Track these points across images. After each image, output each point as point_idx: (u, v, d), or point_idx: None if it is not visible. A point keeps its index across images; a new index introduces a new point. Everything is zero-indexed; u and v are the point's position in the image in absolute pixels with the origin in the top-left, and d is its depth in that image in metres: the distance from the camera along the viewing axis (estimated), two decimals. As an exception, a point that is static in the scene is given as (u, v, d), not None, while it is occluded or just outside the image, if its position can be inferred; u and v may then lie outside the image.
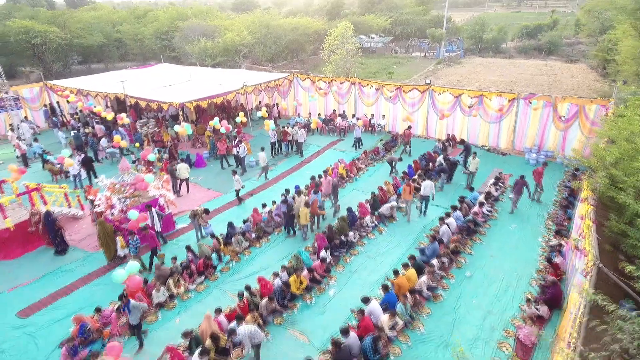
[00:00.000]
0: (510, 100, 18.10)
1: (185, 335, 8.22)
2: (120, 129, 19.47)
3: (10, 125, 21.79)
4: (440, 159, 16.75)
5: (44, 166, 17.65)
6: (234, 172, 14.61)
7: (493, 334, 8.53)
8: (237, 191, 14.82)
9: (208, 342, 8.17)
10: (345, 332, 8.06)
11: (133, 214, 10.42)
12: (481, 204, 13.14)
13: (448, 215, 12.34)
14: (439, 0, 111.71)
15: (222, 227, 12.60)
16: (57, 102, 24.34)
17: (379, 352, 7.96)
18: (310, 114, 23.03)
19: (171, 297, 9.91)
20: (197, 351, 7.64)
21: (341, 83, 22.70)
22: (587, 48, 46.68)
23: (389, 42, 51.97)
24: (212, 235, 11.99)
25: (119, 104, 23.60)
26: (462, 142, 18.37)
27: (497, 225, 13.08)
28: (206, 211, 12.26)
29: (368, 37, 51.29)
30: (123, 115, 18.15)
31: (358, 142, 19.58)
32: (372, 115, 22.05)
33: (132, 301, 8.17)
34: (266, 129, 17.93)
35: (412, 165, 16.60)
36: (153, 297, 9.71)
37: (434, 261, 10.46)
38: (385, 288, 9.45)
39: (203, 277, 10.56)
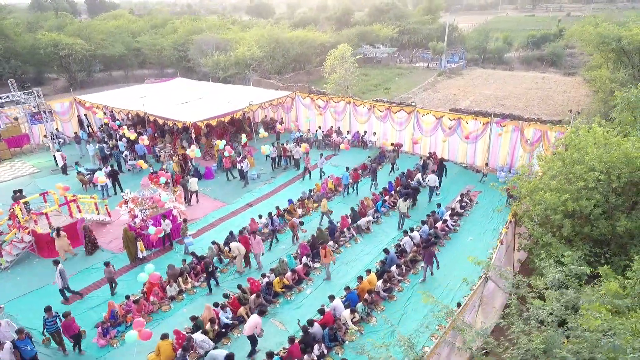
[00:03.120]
0: (484, 124, 20.25)
1: (192, 318, 10.79)
2: (140, 143, 22.15)
3: (45, 135, 24.89)
4: (418, 176, 19.11)
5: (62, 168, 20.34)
6: (56, 263, 12.11)
7: (429, 328, 10.85)
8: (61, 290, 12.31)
9: (208, 326, 10.74)
10: (310, 323, 10.53)
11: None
12: (444, 221, 15.41)
13: (412, 230, 14.71)
14: (452, 3, 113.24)
15: (224, 234, 15.17)
16: (85, 115, 27.21)
17: (337, 340, 10.42)
18: (309, 130, 25.49)
19: (180, 291, 12.50)
20: (199, 332, 10.24)
21: (337, 102, 25.10)
22: (587, 60, 48.04)
23: (394, 53, 53.99)
24: (193, 254, 13.90)
25: (139, 118, 26.38)
26: (442, 160, 20.63)
27: (456, 237, 15.38)
28: (184, 220, 15.05)
29: (374, 46, 53.50)
30: (145, 137, 20.95)
31: (320, 171, 20.62)
32: (365, 132, 24.40)
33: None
34: (262, 152, 20.55)
35: (393, 182, 18.97)
36: (167, 291, 12.30)
37: (393, 268, 12.83)
38: (347, 289, 11.88)
39: (206, 276, 13.12)
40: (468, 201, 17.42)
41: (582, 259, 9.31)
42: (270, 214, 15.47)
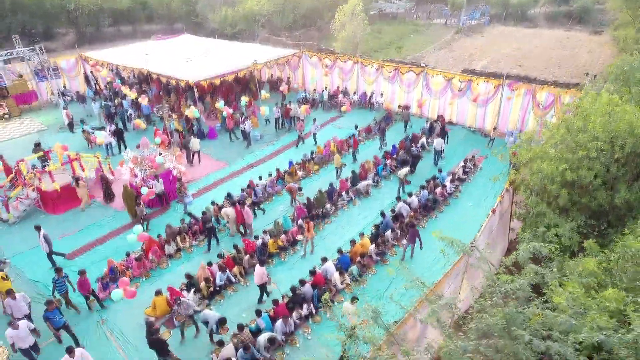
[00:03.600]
0: (495, 86, 19.43)
1: (187, 276, 11.13)
2: (143, 103, 22.06)
3: (52, 92, 25.03)
4: (423, 140, 18.71)
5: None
6: (38, 228, 12.05)
7: (417, 292, 10.94)
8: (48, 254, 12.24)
9: (203, 285, 11.08)
10: (302, 283, 10.77)
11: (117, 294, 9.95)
12: (443, 186, 15.19)
13: (410, 195, 14.59)
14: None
15: (225, 194, 15.26)
16: (91, 72, 27.06)
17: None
18: (314, 90, 24.94)
19: (178, 250, 12.83)
20: (192, 290, 10.60)
21: (345, 61, 24.31)
22: (618, 16, 44.85)
23: (410, 8, 51.46)
24: (190, 215, 14.02)
25: (143, 76, 26.13)
26: (450, 122, 20.08)
27: (457, 203, 15.23)
28: (179, 179, 14.96)
29: (391, 0, 51.00)
30: (145, 96, 20.80)
31: (313, 137, 19.79)
32: (372, 93, 23.75)
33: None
34: (262, 114, 20.12)
35: (397, 145, 18.62)
36: (165, 249, 12.64)
37: (388, 232, 12.86)
38: (339, 251, 12.00)
39: (203, 236, 13.40)
40: (472, 166, 17.07)
41: (573, 230, 9.14)
42: (250, 186, 15.09)
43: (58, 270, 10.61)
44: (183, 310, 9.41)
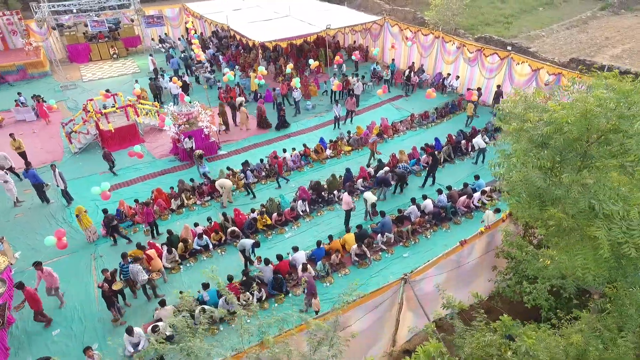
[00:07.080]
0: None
1: (169, 232, 11.91)
2: (220, 57, 23.16)
3: (153, 39, 27.73)
4: (478, 137, 16.37)
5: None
6: (53, 167, 13.34)
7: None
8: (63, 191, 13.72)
9: (180, 245, 11.77)
10: (266, 262, 10.72)
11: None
12: (469, 196, 13.26)
13: (424, 197, 13.11)
14: None
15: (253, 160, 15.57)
16: (192, 21, 29.14)
17: (282, 289, 10.53)
18: (377, 63, 23.33)
19: (182, 205, 13.74)
20: (166, 248, 11.37)
21: (425, 35, 22.00)
22: None
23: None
24: (204, 175, 14.72)
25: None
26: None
27: (481, 218, 13.18)
28: (200, 156, 15.03)
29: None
30: (202, 53, 21.72)
31: (337, 122, 18.68)
32: (449, 74, 21.29)
33: None
34: (292, 85, 19.31)
35: (446, 139, 16.66)
36: (172, 204, 13.66)
37: (379, 236, 11.89)
38: (318, 244, 11.52)
39: (209, 198, 14.09)
40: (523, 179, 14.46)
41: (548, 292, 7.36)
42: (244, 167, 14.50)
43: (124, 256, 10.46)
44: (132, 274, 10.15)
